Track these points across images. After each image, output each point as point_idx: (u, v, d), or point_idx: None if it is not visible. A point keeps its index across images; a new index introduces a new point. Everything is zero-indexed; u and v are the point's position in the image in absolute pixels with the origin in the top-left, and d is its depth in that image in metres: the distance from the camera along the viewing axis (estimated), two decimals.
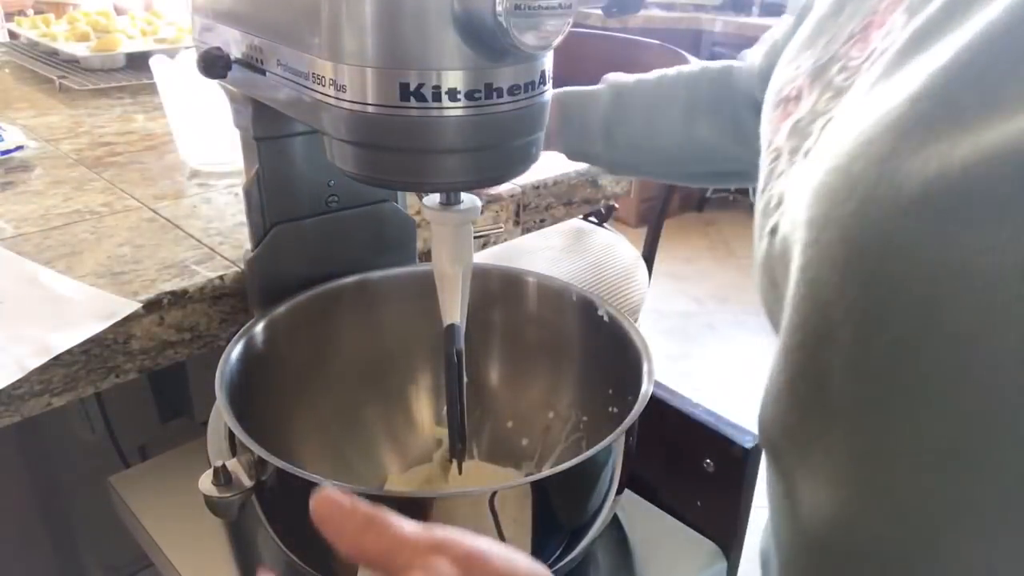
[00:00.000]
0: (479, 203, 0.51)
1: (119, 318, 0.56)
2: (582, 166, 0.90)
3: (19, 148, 0.88)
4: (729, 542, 0.59)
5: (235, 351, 0.53)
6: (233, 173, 0.84)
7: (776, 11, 3.28)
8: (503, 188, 0.82)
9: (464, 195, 0.50)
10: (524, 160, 0.45)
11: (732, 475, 0.56)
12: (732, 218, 3.43)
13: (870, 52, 0.41)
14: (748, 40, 3.23)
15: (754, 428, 0.56)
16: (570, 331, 0.62)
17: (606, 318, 0.58)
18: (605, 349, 0.58)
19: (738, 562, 0.60)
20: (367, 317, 0.63)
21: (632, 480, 0.64)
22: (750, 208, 0.53)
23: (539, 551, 0.47)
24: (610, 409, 0.56)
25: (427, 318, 0.55)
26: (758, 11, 3.29)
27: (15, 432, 0.72)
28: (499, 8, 0.36)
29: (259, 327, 0.56)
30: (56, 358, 0.53)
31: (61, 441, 0.86)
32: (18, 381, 0.51)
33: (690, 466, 0.58)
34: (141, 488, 0.63)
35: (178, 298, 0.60)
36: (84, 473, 0.83)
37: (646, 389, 0.49)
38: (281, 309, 0.58)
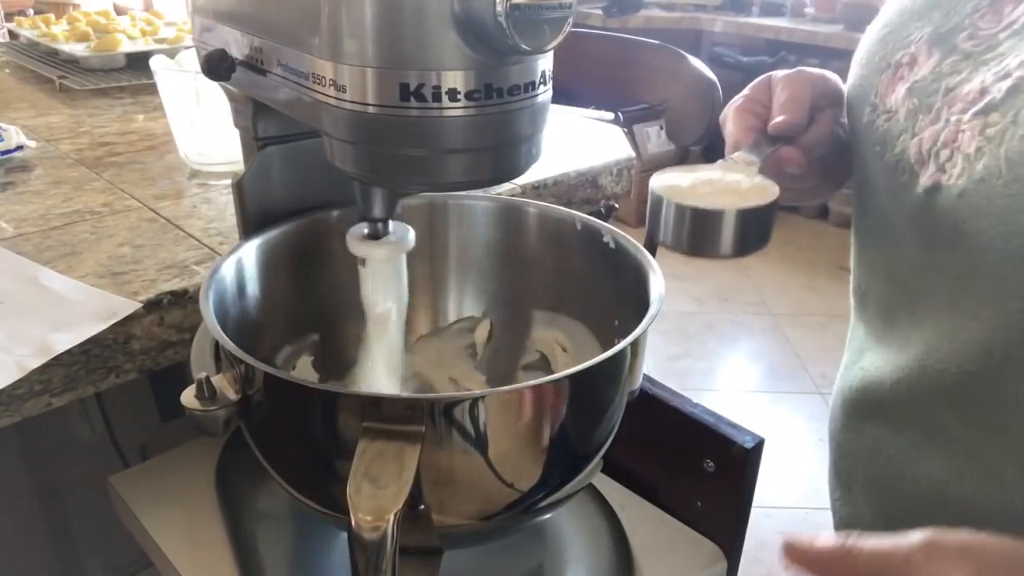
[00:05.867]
0: (411, 233, 0.49)
1: (119, 318, 0.56)
2: (582, 165, 0.90)
3: (19, 148, 0.88)
4: (729, 542, 0.59)
5: (224, 266, 0.52)
6: (233, 173, 0.84)
7: (776, 11, 3.28)
8: (503, 188, 0.82)
9: (393, 224, 0.49)
10: (524, 160, 0.45)
11: (732, 475, 0.56)
12: None
13: (1007, 23, 0.44)
14: (748, 40, 3.24)
15: (753, 428, 0.56)
16: (574, 261, 0.60)
17: (612, 245, 0.56)
18: (613, 278, 0.56)
19: (738, 562, 0.60)
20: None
21: (632, 480, 0.64)
22: None
23: (554, 454, 0.46)
24: (615, 341, 0.54)
25: (421, 249, 0.54)
26: (758, 11, 3.29)
27: (15, 432, 0.72)
28: (499, 8, 0.36)
29: (251, 247, 0.56)
30: (56, 358, 0.53)
31: (61, 441, 0.86)
32: (18, 381, 0.51)
33: (690, 466, 0.58)
34: (141, 488, 0.63)
35: (178, 298, 0.60)
36: (84, 473, 0.83)
37: (659, 291, 0.48)
38: (274, 232, 0.57)
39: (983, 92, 0.43)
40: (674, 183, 0.43)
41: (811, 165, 0.53)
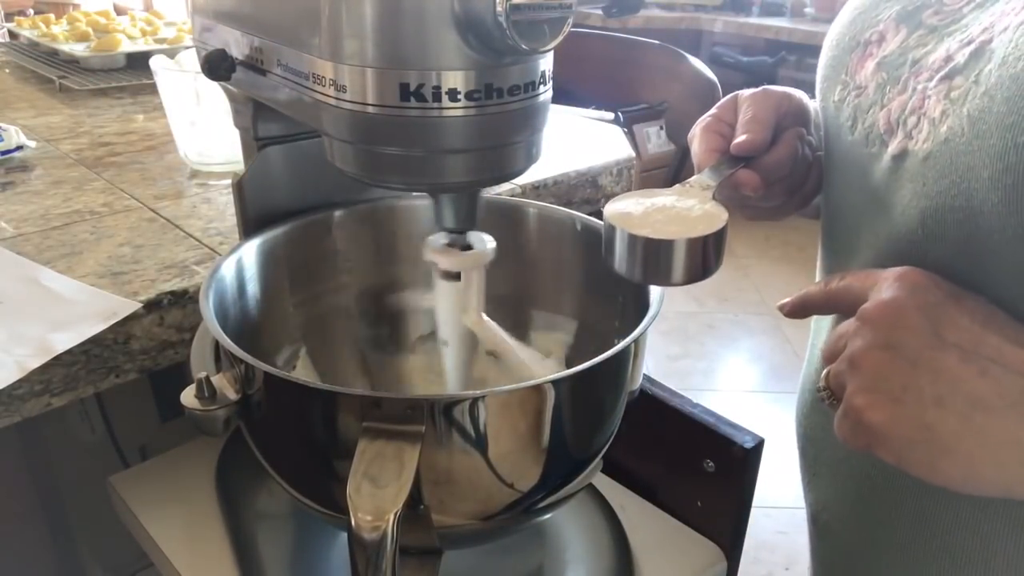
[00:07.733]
0: (491, 244, 0.50)
1: (119, 318, 0.56)
2: (582, 165, 0.90)
3: (19, 148, 0.88)
4: (729, 542, 0.59)
5: (224, 266, 0.52)
6: (233, 173, 0.84)
7: (776, 11, 3.28)
8: (503, 188, 0.82)
9: (473, 235, 0.49)
10: (524, 160, 0.45)
11: (732, 475, 0.56)
12: (731, 218, 3.42)
13: None
14: (748, 40, 3.24)
15: (753, 428, 0.56)
16: (575, 262, 0.60)
17: None
18: (613, 278, 0.56)
19: (738, 562, 0.60)
20: (361, 245, 0.62)
21: (632, 480, 0.64)
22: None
23: (554, 449, 0.46)
24: (615, 341, 0.55)
25: (421, 250, 0.54)
26: (758, 11, 3.29)
27: (15, 432, 0.72)
28: (499, 8, 0.36)
29: (251, 247, 0.56)
30: (56, 358, 0.53)
31: (61, 441, 0.86)
32: (18, 381, 0.51)
33: (690, 466, 0.58)
34: (141, 488, 0.63)
35: (178, 298, 0.60)
36: (84, 473, 0.83)
37: (659, 292, 0.49)
38: (274, 232, 0.57)
39: (948, 59, 0.44)
40: (627, 211, 0.44)
41: (774, 185, 0.53)
